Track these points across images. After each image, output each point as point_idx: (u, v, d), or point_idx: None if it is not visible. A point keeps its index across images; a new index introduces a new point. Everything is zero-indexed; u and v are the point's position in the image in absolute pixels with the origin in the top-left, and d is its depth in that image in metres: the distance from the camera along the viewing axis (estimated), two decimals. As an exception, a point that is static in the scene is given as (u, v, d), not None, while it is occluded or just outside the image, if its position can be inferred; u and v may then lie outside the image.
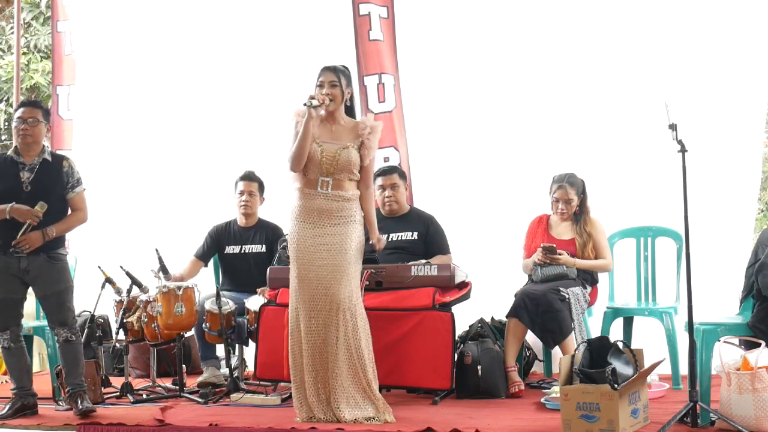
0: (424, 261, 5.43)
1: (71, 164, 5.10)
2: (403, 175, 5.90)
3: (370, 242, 5.00)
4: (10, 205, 4.91)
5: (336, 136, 4.77)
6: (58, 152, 5.23)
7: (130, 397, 5.43)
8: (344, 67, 4.89)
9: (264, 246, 6.08)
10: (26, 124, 5.00)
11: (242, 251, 6.13)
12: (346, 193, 4.74)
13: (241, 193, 6.11)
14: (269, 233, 6.10)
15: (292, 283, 4.77)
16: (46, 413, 5.09)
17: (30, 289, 5.11)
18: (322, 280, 4.67)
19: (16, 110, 5.12)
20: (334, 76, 4.76)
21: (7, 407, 5.04)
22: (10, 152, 5.11)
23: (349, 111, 4.88)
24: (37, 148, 5.04)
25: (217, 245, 6.19)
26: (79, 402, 4.91)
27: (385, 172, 5.81)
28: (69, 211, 5.09)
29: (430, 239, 5.74)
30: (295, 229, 4.76)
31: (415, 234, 5.72)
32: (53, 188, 5.01)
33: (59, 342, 5.04)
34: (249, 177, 6.12)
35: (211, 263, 6.28)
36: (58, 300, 5.02)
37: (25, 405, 5.04)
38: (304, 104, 4.64)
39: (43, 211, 4.90)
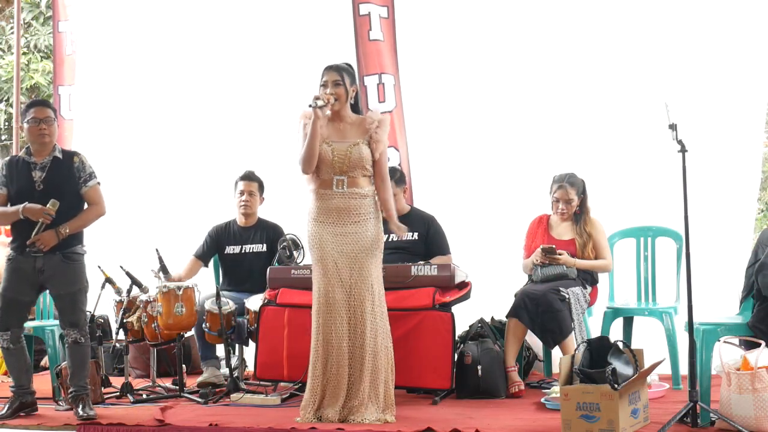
0: (423, 262, 5.42)
1: (82, 159, 5.09)
2: (401, 179, 5.87)
3: (391, 234, 4.94)
4: (23, 205, 4.92)
5: (344, 134, 4.74)
6: (69, 149, 5.20)
7: (130, 397, 5.43)
8: (348, 65, 4.86)
9: (264, 246, 6.07)
10: (43, 124, 4.99)
11: (242, 251, 6.12)
12: (362, 190, 4.72)
13: (241, 192, 6.10)
14: (269, 233, 6.09)
15: (317, 285, 4.70)
16: (46, 413, 5.09)
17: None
18: (347, 281, 4.65)
19: (26, 111, 5.08)
20: (338, 75, 4.72)
21: (6, 407, 5.04)
22: (21, 153, 5.10)
23: (354, 108, 4.84)
24: (50, 146, 5.04)
25: (216, 245, 6.18)
26: (81, 407, 4.90)
27: None
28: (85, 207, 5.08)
29: (431, 240, 5.73)
30: (316, 231, 4.71)
31: (416, 234, 5.72)
32: (65, 185, 5.00)
33: (68, 343, 5.03)
34: (249, 177, 6.11)
35: (211, 263, 6.27)
36: (71, 300, 5.01)
37: (23, 403, 5.04)
38: (309, 105, 4.60)
39: (55, 209, 4.89)
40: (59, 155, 5.04)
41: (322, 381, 4.66)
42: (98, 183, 5.11)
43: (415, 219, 5.79)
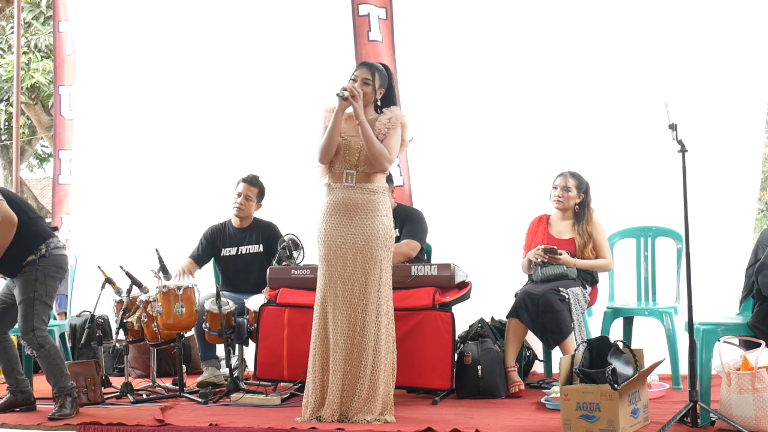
0: (423, 262, 5.42)
1: None
2: (390, 179, 5.83)
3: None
4: None
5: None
6: None
7: (130, 397, 5.42)
8: (384, 66, 4.83)
9: (261, 246, 6.06)
10: None
11: (239, 252, 6.11)
12: (372, 185, 4.68)
13: (239, 194, 6.07)
14: (265, 232, 6.08)
15: (320, 281, 4.71)
16: (47, 413, 5.07)
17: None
18: (348, 279, 4.63)
19: None
20: (369, 73, 4.69)
21: None
22: None
23: (382, 106, 4.77)
24: None
25: (212, 247, 6.16)
26: (56, 408, 4.87)
27: None
28: None
29: (405, 226, 5.68)
30: (323, 226, 4.70)
31: (397, 231, 5.70)
32: None
33: None
34: (251, 181, 6.07)
35: (211, 263, 6.26)
36: (21, 310, 4.93)
37: (16, 401, 5.05)
38: (337, 94, 4.57)
39: None
40: None
41: (322, 380, 4.66)
42: None
43: (399, 215, 5.74)
